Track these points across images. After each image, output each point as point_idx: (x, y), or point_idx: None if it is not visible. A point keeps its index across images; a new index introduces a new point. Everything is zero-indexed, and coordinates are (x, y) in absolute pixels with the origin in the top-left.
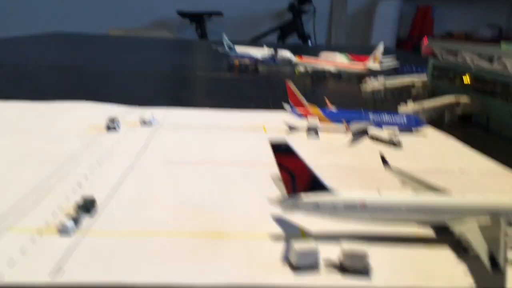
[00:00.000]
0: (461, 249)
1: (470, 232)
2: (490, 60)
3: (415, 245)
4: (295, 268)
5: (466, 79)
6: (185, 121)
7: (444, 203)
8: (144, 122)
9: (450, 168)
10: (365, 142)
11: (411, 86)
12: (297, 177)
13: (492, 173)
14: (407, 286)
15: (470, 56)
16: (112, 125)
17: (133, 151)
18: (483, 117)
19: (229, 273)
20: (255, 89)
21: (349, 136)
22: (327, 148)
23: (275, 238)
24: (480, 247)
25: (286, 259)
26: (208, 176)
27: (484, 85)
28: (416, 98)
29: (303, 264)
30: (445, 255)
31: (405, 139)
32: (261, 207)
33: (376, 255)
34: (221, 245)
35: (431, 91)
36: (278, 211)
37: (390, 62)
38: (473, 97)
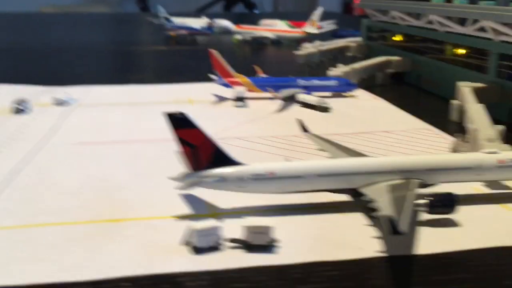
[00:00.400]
0: (373, 215)
1: (380, 195)
2: (418, 17)
3: (327, 215)
4: (197, 250)
5: (397, 38)
6: (106, 98)
7: (355, 167)
8: (59, 102)
9: (377, 130)
10: (294, 108)
11: (347, 48)
12: (199, 150)
13: (420, 132)
14: (315, 260)
15: (399, 14)
16: (20, 107)
17: (40, 134)
18: (414, 76)
19: (123, 263)
20: (191, 61)
21: (277, 103)
22: (254, 117)
23: (180, 220)
24: (386, 210)
25: (188, 242)
26: (120, 157)
27: (414, 43)
28: (351, 60)
29: (205, 246)
30: (357, 224)
31: (335, 103)
32: (171, 187)
33: (285, 229)
34: (117, 233)
35: (365, 53)
36: (189, 190)
37: (329, 26)
38: (404, 56)
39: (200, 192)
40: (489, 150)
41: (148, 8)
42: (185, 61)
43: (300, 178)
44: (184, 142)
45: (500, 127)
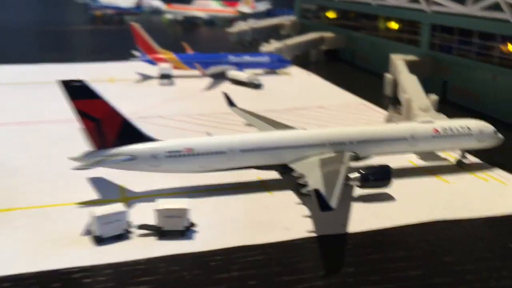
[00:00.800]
0: (302, 191)
1: (310, 170)
2: None
3: (252, 195)
4: (99, 240)
5: (331, 15)
6: (16, 78)
7: (283, 140)
8: None
9: (312, 105)
10: (224, 86)
11: (280, 26)
12: (103, 124)
13: (355, 107)
14: (237, 245)
15: None
16: None
17: None
18: (349, 53)
19: (7, 259)
20: (116, 40)
21: (206, 81)
22: (180, 95)
23: (84, 207)
24: (315, 185)
25: (89, 231)
26: (21, 139)
27: (348, 20)
28: (285, 38)
29: (108, 234)
30: (286, 203)
31: (268, 79)
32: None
33: (204, 212)
34: (7, 224)
35: (300, 31)
36: (88, 169)
37: (263, 5)
38: (338, 33)
39: (110, 175)
40: (424, 120)
41: None
42: (110, 41)
43: (221, 154)
44: (84, 115)
45: (434, 96)
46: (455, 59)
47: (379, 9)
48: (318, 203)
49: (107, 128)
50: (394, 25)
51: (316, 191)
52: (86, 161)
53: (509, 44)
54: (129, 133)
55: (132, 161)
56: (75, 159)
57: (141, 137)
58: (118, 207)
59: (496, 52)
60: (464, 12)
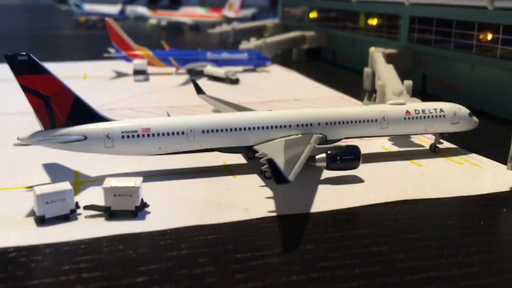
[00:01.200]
0: (267, 175)
1: (275, 152)
2: None
3: (214, 178)
4: (42, 220)
5: (313, 15)
6: None
7: (248, 121)
8: None
9: (287, 98)
10: (200, 82)
11: (263, 28)
12: (52, 102)
13: (332, 100)
14: (189, 225)
15: None
16: None
17: None
18: (330, 51)
19: None
20: (97, 43)
21: (182, 78)
22: (153, 89)
23: (31, 190)
24: (272, 156)
25: (33, 212)
26: None
27: (330, 19)
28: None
29: (51, 215)
30: (248, 186)
31: (246, 76)
32: (29, 156)
33: (159, 193)
34: None
35: (283, 31)
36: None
37: (249, 11)
38: (319, 31)
39: (66, 161)
40: (396, 101)
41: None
42: (91, 44)
43: (181, 135)
44: (32, 92)
45: (409, 82)
46: (433, 50)
47: (359, 5)
48: (272, 173)
49: (57, 107)
50: (374, 21)
51: (270, 161)
52: (31, 141)
53: (487, 32)
54: (82, 112)
55: (84, 142)
56: (22, 139)
57: (95, 117)
58: (63, 185)
59: (474, 41)
60: (442, 2)
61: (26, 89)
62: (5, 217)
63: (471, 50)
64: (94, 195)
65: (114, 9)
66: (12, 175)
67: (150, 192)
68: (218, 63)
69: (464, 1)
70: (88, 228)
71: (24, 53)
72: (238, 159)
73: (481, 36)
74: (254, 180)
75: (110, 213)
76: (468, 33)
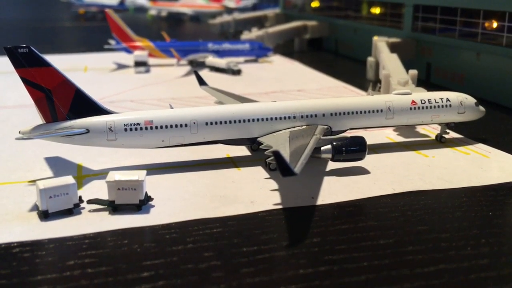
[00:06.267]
0: (271, 167)
1: (279, 144)
2: None
3: (219, 171)
4: (45, 215)
5: (315, 4)
6: None
7: (252, 112)
8: None
9: (290, 89)
10: (202, 73)
11: (264, 18)
12: (54, 95)
13: (335, 90)
14: (195, 218)
15: None
16: None
17: None
18: (333, 41)
19: None
20: (97, 35)
21: (184, 69)
22: (154, 81)
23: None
24: (278, 148)
25: (36, 207)
26: None
27: (331, 8)
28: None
29: (55, 209)
30: (254, 178)
31: (248, 66)
32: (32, 150)
33: (164, 187)
34: None
35: (284, 21)
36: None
37: (250, 1)
38: (321, 21)
39: (69, 155)
40: (401, 91)
41: None
42: (91, 36)
43: (184, 128)
44: (33, 84)
45: (414, 71)
46: (438, 39)
47: None
48: (278, 166)
49: (58, 100)
50: (377, 10)
51: (276, 153)
52: (32, 134)
53: (492, 20)
54: (84, 105)
55: (86, 135)
56: (24, 132)
57: (97, 110)
58: (66, 179)
59: (480, 29)
60: None
61: (27, 82)
62: (8, 212)
63: (476, 38)
64: (97, 189)
65: (114, 0)
66: (14, 169)
67: (153, 185)
68: (220, 54)
69: None
70: (92, 222)
71: (24, 46)
72: (242, 151)
73: (486, 24)
74: (258, 173)
75: (114, 207)
76: (473, 21)
